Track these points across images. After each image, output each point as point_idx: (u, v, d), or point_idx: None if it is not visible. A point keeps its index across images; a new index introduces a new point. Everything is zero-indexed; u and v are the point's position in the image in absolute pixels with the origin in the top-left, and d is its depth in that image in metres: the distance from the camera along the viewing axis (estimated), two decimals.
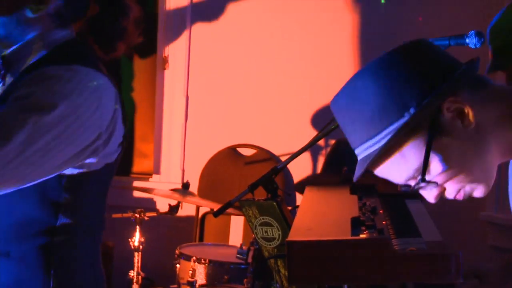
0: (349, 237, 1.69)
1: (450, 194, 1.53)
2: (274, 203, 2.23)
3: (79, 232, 1.91)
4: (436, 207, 3.35)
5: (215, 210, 2.46)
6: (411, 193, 1.54)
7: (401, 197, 2.39)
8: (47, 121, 1.70)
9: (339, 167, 3.44)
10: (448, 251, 1.56)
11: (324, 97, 4.45)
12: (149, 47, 4.84)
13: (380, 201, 2.24)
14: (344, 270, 1.63)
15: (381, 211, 2.03)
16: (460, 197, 1.52)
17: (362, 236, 1.69)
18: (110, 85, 1.87)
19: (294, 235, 1.72)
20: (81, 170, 1.85)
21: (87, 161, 1.85)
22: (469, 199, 1.55)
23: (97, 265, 2.02)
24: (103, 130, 1.83)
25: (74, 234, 1.90)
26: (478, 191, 1.52)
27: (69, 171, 1.83)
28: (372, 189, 2.50)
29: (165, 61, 4.75)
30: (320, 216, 2.05)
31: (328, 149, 4.03)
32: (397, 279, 1.64)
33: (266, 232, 2.25)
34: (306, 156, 4.48)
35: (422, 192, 1.54)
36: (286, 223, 2.22)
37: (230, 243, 4.23)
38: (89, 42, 1.97)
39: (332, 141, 4.08)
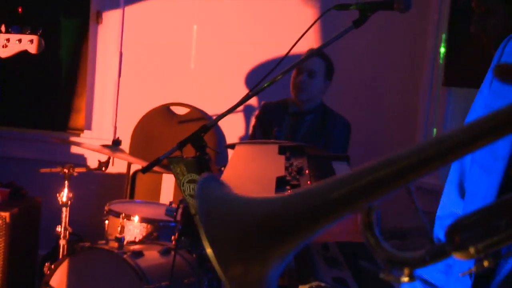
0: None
1: None
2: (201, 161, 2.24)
3: None
4: None
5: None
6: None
7: (328, 159, 2.43)
8: None
9: (268, 131, 3.47)
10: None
11: (258, 58, 4.45)
12: (83, 1, 4.73)
13: (307, 162, 2.28)
14: None
15: (307, 171, 2.06)
16: None
17: None
18: None
19: None
20: None
21: None
22: None
23: None
24: None
25: None
26: None
27: None
28: (300, 150, 2.54)
29: (98, 15, 4.65)
30: (246, 174, 2.07)
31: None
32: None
33: (193, 189, 2.26)
34: (239, 116, 4.49)
35: None
36: None
37: (161, 201, 4.22)
38: None
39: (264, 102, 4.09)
